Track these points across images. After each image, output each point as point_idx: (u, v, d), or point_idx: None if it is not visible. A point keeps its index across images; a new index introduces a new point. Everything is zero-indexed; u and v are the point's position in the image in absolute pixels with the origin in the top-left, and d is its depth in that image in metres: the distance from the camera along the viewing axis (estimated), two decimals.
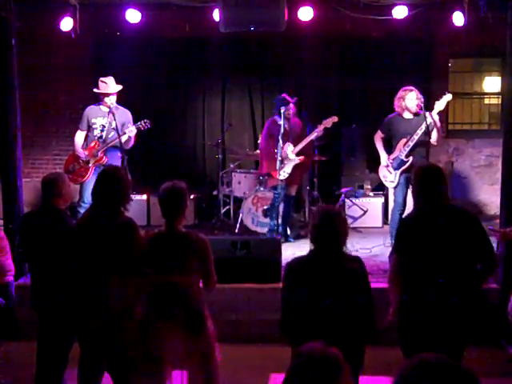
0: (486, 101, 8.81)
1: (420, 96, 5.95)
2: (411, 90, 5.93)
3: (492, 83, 8.64)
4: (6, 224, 5.55)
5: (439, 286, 3.18)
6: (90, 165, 6.04)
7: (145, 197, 7.73)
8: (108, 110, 6.05)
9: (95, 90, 6.14)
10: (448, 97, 5.90)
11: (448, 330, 3.17)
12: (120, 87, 6.13)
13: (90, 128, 6.15)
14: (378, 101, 8.04)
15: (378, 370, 4.31)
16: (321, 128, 6.50)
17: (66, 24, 6.38)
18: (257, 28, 6.13)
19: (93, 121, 6.12)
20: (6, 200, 5.67)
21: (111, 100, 6.06)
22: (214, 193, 8.00)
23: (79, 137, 6.22)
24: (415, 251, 3.25)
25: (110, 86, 6.07)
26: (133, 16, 6.63)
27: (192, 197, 7.48)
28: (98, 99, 6.22)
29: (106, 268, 3.35)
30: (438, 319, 3.17)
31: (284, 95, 6.55)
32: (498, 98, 8.55)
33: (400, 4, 6.39)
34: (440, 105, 5.85)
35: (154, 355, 3.31)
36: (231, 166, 7.75)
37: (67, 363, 3.87)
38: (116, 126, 5.87)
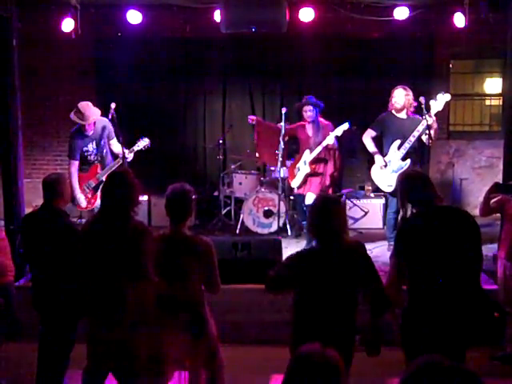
0: (487, 102, 8.80)
1: (410, 93, 5.94)
2: (397, 88, 5.96)
3: (493, 84, 8.63)
4: (7, 224, 5.56)
5: (441, 288, 3.17)
6: (97, 192, 5.88)
7: (146, 197, 7.73)
8: (91, 133, 5.87)
9: (72, 119, 5.79)
10: (446, 97, 5.77)
11: (451, 331, 3.16)
12: (98, 113, 5.83)
13: (85, 156, 5.95)
14: (378, 102, 8.02)
15: (379, 370, 4.31)
16: (331, 137, 6.28)
17: (67, 25, 6.39)
18: (258, 29, 6.13)
19: (84, 149, 5.93)
20: (7, 200, 5.68)
21: (90, 127, 5.82)
22: (215, 193, 8.01)
23: (75, 169, 5.92)
24: (416, 254, 3.24)
25: (86, 115, 5.75)
26: (134, 17, 6.64)
27: (194, 197, 7.48)
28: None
29: (120, 274, 3.27)
30: (441, 321, 3.16)
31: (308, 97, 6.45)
32: (499, 99, 8.55)
33: (401, 5, 6.40)
34: (437, 105, 5.75)
35: (156, 356, 3.31)
36: (232, 166, 7.75)
37: (68, 364, 3.87)
38: (118, 133, 5.75)
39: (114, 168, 5.89)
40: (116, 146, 6.00)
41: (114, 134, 5.96)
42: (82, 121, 5.76)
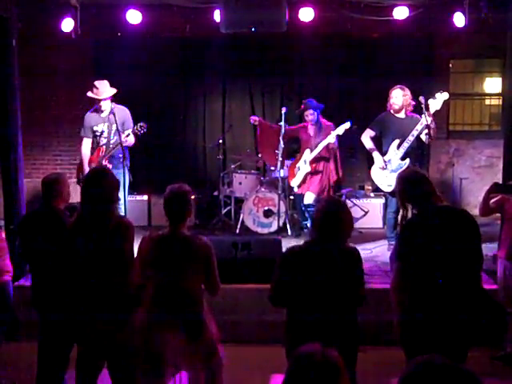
0: (487, 102, 8.81)
1: (408, 93, 5.95)
2: (395, 88, 5.97)
3: (493, 84, 8.64)
4: (7, 224, 5.56)
5: (442, 288, 3.17)
6: None
7: (146, 197, 7.73)
8: (106, 114, 5.97)
9: (88, 95, 6.00)
10: (444, 96, 5.77)
11: (452, 331, 3.15)
12: (114, 91, 5.98)
13: (95, 136, 6.07)
14: (378, 102, 8.02)
15: (379, 369, 4.31)
16: (332, 136, 6.33)
17: (67, 25, 6.39)
18: (258, 29, 6.13)
19: (95, 128, 6.05)
20: (7, 200, 5.67)
21: (105, 105, 5.95)
22: (215, 193, 8.01)
23: (87, 147, 6.12)
24: (417, 254, 3.24)
25: (101, 91, 5.92)
26: (133, 17, 6.64)
27: (193, 197, 7.47)
28: (94, 102, 6.09)
29: (107, 269, 3.32)
30: (442, 321, 3.16)
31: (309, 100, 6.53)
32: (498, 98, 8.55)
33: (400, 5, 6.40)
34: (435, 104, 5.76)
35: (154, 356, 3.31)
36: (232, 166, 7.75)
37: (68, 363, 3.86)
38: (117, 128, 5.68)
39: (113, 151, 5.92)
40: (128, 137, 5.90)
41: (130, 125, 5.94)
42: (97, 95, 5.92)
